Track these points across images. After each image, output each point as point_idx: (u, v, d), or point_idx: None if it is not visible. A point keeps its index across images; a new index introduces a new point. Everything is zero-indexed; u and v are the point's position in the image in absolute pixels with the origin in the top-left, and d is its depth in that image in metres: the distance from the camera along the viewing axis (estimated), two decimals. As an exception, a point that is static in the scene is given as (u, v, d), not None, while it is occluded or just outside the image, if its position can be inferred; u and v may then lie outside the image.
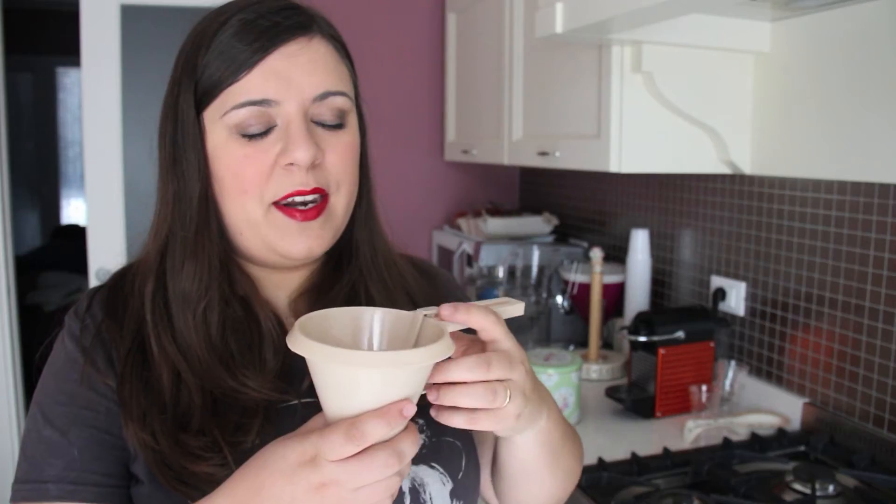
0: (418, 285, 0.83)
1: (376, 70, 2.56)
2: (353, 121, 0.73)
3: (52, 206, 5.50)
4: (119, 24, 2.36)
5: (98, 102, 2.37)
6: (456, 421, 0.59)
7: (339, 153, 0.71)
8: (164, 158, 0.71)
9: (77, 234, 3.58)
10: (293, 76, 0.67)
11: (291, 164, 0.67)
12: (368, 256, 0.79)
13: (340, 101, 0.71)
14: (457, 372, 0.57)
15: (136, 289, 0.72)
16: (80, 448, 0.66)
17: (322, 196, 0.70)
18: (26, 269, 3.83)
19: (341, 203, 0.72)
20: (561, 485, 0.76)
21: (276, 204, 0.69)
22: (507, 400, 0.59)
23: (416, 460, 0.70)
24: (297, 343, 0.53)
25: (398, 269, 0.82)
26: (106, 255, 2.22)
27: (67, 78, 5.43)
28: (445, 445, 0.73)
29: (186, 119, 0.69)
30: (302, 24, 0.69)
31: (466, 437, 0.76)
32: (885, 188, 1.27)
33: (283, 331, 0.73)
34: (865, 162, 1.29)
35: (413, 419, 0.68)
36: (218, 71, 0.67)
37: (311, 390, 0.66)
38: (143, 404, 0.66)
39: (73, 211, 5.58)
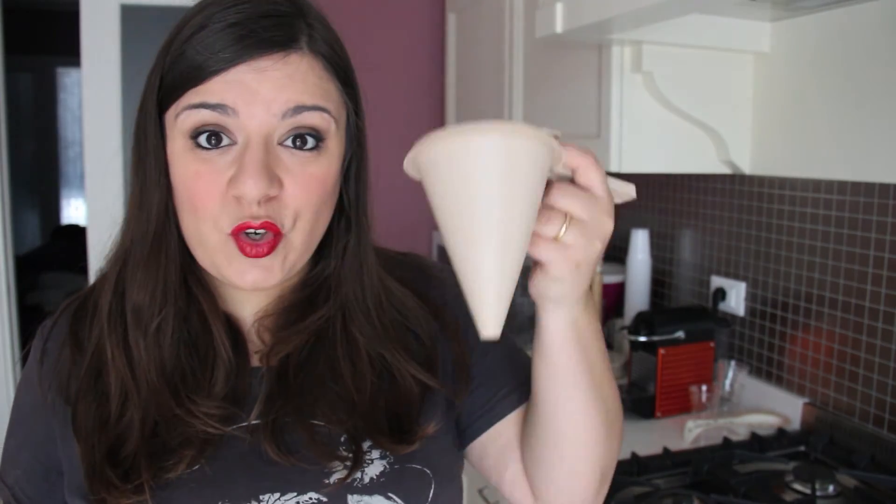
0: (420, 319, 0.75)
1: (376, 70, 2.56)
2: (332, 146, 0.64)
3: (52, 206, 5.50)
4: (119, 24, 2.35)
5: (98, 102, 2.37)
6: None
7: (302, 184, 0.62)
8: (132, 161, 0.66)
9: (77, 234, 3.58)
10: (259, 89, 0.59)
11: (240, 196, 0.60)
12: (352, 295, 0.71)
13: (317, 119, 0.62)
14: (568, 152, 0.53)
15: (100, 298, 0.70)
16: (24, 469, 0.70)
17: (275, 233, 0.62)
18: (26, 269, 3.82)
19: (299, 238, 0.64)
20: (604, 431, 0.66)
21: (231, 234, 0.61)
22: (563, 231, 0.53)
23: (372, 490, 0.65)
24: (409, 160, 0.50)
25: (393, 304, 0.74)
26: (106, 256, 2.22)
27: (67, 78, 5.43)
28: (410, 474, 0.67)
29: (149, 117, 0.63)
30: (282, 39, 0.61)
31: (440, 464, 0.70)
32: (885, 188, 1.27)
33: (238, 351, 0.69)
34: (865, 162, 1.29)
35: (375, 445, 0.67)
36: (183, 71, 0.61)
37: (260, 416, 0.66)
38: (91, 424, 0.66)
39: (73, 211, 5.58)
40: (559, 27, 1.33)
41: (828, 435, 1.36)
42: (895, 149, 1.24)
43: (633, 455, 1.29)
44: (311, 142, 0.62)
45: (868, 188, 1.30)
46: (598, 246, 0.55)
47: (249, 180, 0.58)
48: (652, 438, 1.43)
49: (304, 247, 0.65)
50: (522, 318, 2.03)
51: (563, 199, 0.53)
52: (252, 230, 0.61)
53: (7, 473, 0.71)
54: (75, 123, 5.41)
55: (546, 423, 0.66)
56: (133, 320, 0.66)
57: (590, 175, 0.54)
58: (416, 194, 2.55)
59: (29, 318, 3.07)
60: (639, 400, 1.54)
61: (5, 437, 0.72)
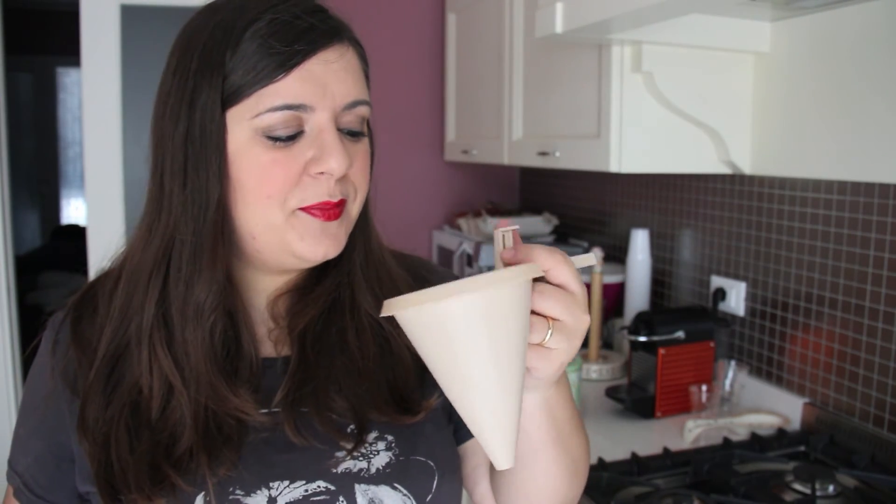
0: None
1: (376, 70, 2.54)
2: (366, 132, 0.73)
3: (52, 206, 5.51)
4: (119, 24, 2.35)
5: (98, 102, 2.37)
6: None
7: (361, 162, 0.70)
8: (173, 158, 0.65)
9: (77, 234, 3.58)
10: (328, 83, 0.65)
11: (322, 172, 0.65)
12: (359, 260, 0.76)
13: (365, 110, 0.70)
14: (535, 252, 0.56)
15: (115, 298, 0.70)
16: (35, 457, 0.71)
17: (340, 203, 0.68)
18: (26, 269, 3.83)
19: (355, 209, 0.71)
20: (567, 477, 0.70)
21: (298, 209, 0.66)
22: (548, 336, 0.55)
23: (378, 480, 0.67)
24: (388, 307, 0.51)
25: (390, 275, 0.79)
26: (106, 256, 2.22)
27: (67, 78, 5.43)
28: (414, 465, 0.70)
29: (209, 118, 0.64)
30: (336, 29, 0.67)
31: (443, 456, 0.73)
32: (885, 188, 1.27)
33: (257, 341, 0.72)
34: (865, 162, 1.29)
35: (382, 436, 0.70)
36: (252, 70, 0.63)
37: (283, 398, 0.68)
38: (109, 420, 0.66)
39: (73, 211, 5.59)
40: (559, 27, 1.33)
41: (828, 435, 1.36)
42: (895, 149, 1.24)
43: (633, 455, 1.29)
44: (360, 129, 0.70)
45: (868, 188, 1.30)
46: (578, 343, 0.58)
47: (335, 159, 0.64)
48: (652, 438, 1.43)
49: (355, 218, 0.72)
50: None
51: (545, 303, 0.55)
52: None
53: (17, 461, 0.72)
54: (75, 123, 5.41)
55: (514, 470, 0.69)
56: (188, 317, 0.66)
57: (563, 273, 0.56)
58: (416, 194, 2.55)
59: (29, 318, 3.07)
60: (639, 400, 1.54)
61: (15, 426, 0.73)
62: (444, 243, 2.51)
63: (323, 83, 0.65)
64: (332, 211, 0.67)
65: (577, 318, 0.56)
